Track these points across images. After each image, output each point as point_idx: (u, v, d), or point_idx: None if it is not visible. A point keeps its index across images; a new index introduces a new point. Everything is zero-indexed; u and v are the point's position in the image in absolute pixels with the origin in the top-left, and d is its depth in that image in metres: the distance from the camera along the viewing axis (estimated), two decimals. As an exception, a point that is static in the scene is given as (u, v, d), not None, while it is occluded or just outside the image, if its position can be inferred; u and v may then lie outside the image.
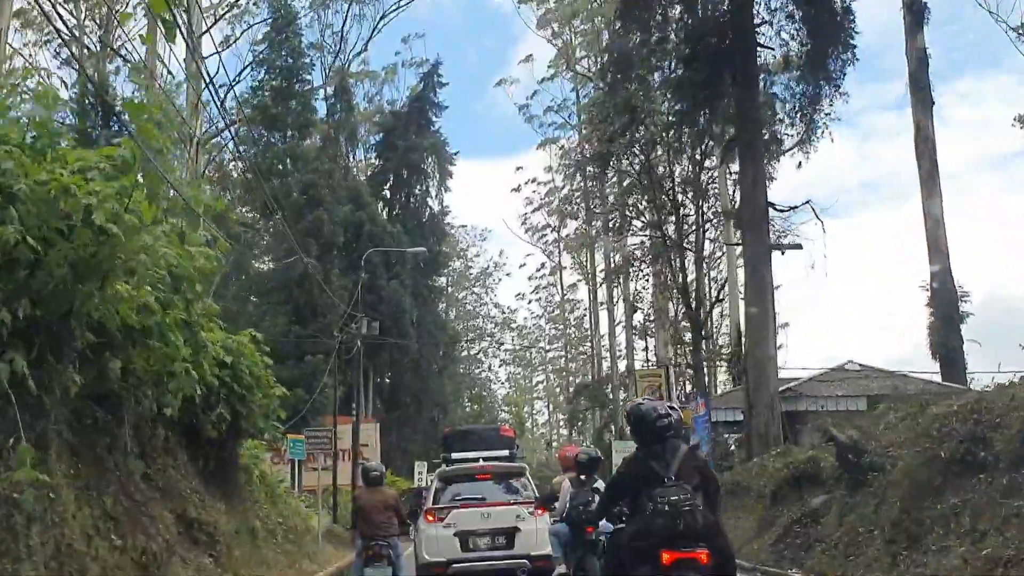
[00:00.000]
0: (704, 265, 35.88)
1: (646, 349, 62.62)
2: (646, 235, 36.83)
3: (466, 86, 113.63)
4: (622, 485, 6.67)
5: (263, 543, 13.66)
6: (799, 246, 23.84)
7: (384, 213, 57.22)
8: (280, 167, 39.01)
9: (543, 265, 77.48)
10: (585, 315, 72.84)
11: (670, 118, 26.01)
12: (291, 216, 36.19)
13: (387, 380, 59.89)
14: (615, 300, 61.71)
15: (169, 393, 9.70)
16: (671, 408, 6.57)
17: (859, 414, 22.68)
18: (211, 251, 8.53)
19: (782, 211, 23.61)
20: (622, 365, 60.29)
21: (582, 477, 11.06)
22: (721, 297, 36.64)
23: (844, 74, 22.49)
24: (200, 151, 38.31)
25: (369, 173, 61.35)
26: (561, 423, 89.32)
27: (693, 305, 34.84)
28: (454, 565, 13.84)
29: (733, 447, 26.43)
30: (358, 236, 51.92)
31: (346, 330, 29.93)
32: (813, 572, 12.97)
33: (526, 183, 70.12)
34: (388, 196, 60.77)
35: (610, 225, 40.01)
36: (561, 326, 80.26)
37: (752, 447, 21.89)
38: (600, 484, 10.52)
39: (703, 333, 35.41)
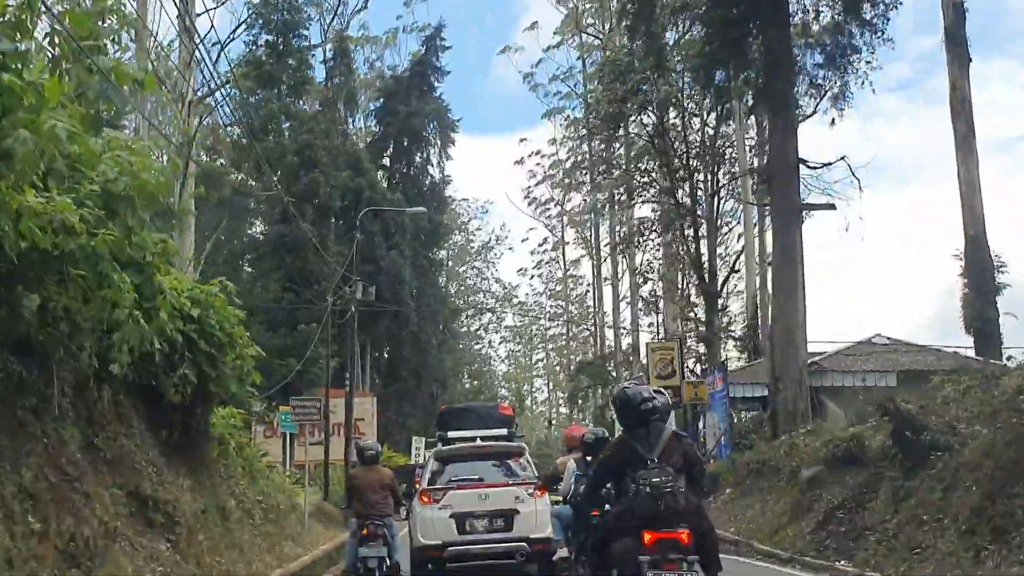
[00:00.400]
0: (717, 234, 34.08)
1: (652, 325, 61.18)
2: (657, 202, 35.08)
3: (468, 64, 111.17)
4: (608, 467, 6.72)
5: (236, 524, 11.97)
6: (832, 206, 22.01)
7: (384, 181, 55.41)
8: (274, 128, 37.01)
9: (545, 240, 75.89)
10: (588, 291, 71.37)
11: (697, 61, 23.92)
12: (285, 178, 34.35)
13: (385, 354, 58.38)
14: (619, 275, 60.11)
15: (114, 346, 7.98)
16: (656, 392, 6.60)
17: (891, 390, 21.03)
18: (161, 165, 6.73)
19: (814, 168, 21.77)
20: (626, 342, 58.82)
21: (588, 458, 10.32)
22: (736, 268, 34.84)
23: (888, 19, 20.59)
24: (192, 112, 36.64)
25: (368, 140, 59.49)
26: (561, 401, 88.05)
27: (706, 276, 33.22)
28: (450, 548, 13.05)
29: (751, 424, 24.72)
30: (357, 203, 49.96)
31: (340, 294, 28.15)
32: (868, 566, 11.27)
33: (529, 155, 68.51)
34: (388, 164, 59.12)
35: (617, 195, 38.16)
36: (563, 302, 78.52)
37: (778, 424, 20.21)
38: None
39: (716, 306, 33.75)
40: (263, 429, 43.71)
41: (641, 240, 36.97)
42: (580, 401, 65.40)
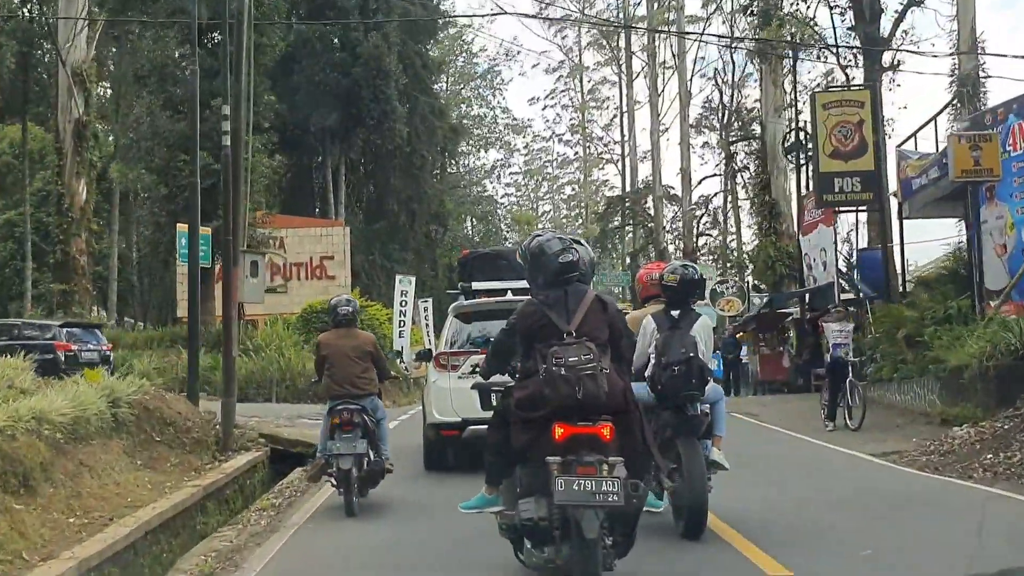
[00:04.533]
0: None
1: (705, 145, 50.41)
2: None
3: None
4: (512, 339, 5.45)
5: None
6: None
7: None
8: None
9: (561, 63, 65.20)
10: (615, 116, 61.15)
11: None
12: None
13: (371, 187, 46.38)
14: (660, 86, 48.27)
15: None
16: (576, 242, 5.41)
17: None
18: None
19: None
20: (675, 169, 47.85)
21: (674, 313, 7.18)
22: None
23: None
24: None
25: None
26: (575, 253, 78.36)
27: (866, 11, 20.67)
28: (472, 428, 10.25)
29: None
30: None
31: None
32: None
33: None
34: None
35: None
36: (577, 135, 67.51)
37: None
38: (706, 316, 7.38)
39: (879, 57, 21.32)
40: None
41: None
42: (609, 244, 55.25)
